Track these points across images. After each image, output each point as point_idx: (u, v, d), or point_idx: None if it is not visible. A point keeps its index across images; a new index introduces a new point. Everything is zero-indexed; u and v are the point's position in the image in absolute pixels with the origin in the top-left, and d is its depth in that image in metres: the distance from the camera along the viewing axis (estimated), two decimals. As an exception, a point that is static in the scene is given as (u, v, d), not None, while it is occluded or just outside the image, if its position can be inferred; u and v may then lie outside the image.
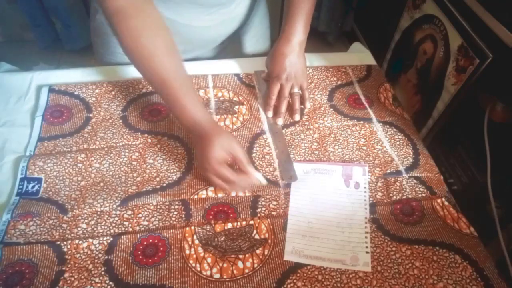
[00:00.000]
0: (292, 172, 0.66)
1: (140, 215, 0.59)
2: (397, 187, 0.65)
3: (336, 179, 0.65)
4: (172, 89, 0.60)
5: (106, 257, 0.54)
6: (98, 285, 0.51)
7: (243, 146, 0.70)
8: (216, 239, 0.57)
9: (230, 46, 0.91)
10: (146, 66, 0.60)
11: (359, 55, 0.92)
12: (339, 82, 0.84)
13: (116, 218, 0.58)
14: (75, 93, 0.75)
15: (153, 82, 0.62)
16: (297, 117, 0.75)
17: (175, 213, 0.59)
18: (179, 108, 0.61)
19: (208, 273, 0.54)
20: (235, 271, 0.54)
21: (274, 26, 1.91)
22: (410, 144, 0.72)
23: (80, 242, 0.55)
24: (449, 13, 0.78)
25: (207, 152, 0.58)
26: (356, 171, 0.65)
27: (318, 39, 2.02)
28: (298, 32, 0.75)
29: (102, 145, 0.68)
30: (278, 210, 0.61)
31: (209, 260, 0.55)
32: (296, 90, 0.75)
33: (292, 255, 0.56)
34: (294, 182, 0.64)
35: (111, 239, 0.56)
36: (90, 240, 0.55)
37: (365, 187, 0.63)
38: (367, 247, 0.57)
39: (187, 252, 0.55)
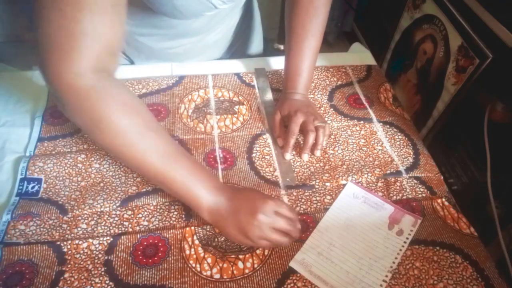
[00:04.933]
0: (291, 174, 0.66)
1: (140, 215, 0.59)
2: (397, 187, 0.65)
3: (381, 218, 0.61)
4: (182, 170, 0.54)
5: (106, 257, 0.54)
6: (98, 285, 0.51)
7: (243, 146, 0.70)
8: (216, 239, 0.57)
9: (235, 52, 0.92)
10: (135, 159, 0.53)
11: (359, 55, 0.93)
12: (339, 82, 0.84)
13: (116, 218, 0.58)
14: (75, 93, 0.75)
15: (151, 175, 0.54)
16: (317, 152, 0.68)
17: (175, 213, 0.59)
18: (202, 187, 0.54)
19: (208, 273, 0.54)
20: (235, 271, 0.54)
21: (272, 26, 1.92)
22: (410, 144, 0.72)
23: (80, 242, 0.55)
24: (449, 13, 0.78)
25: (257, 206, 0.53)
26: (407, 220, 0.61)
27: (318, 39, 2.02)
28: (305, 86, 0.73)
29: (102, 145, 0.67)
30: (278, 210, 0.61)
31: (209, 260, 0.55)
32: (318, 123, 0.69)
33: (298, 265, 0.55)
34: (336, 200, 0.63)
35: (111, 239, 0.56)
36: (90, 240, 0.55)
37: (407, 238, 0.58)
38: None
39: (187, 252, 0.55)
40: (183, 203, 0.58)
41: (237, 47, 0.91)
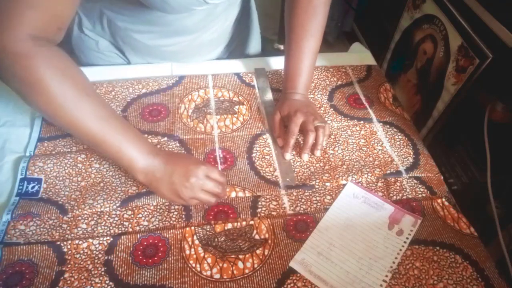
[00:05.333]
0: (291, 174, 0.66)
1: (140, 215, 0.59)
2: (397, 187, 0.65)
3: (381, 218, 0.61)
4: (111, 131, 0.55)
5: (106, 257, 0.54)
6: (98, 285, 0.51)
7: (243, 146, 0.70)
8: (216, 239, 0.57)
9: (232, 51, 0.92)
10: (67, 118, 0.53)
11: (359, 55, 0.93)
12: (339, 82, 0.84)
13: (116, 218, 0.58)
14: (75, 93, 0.75)
15: (82, 133, 0.54)
16: (317, 152, 0.68)
17: (175, 213, 0.59)
18: (130, 149, 0.56)
19: (208, 273, 0.54)
20: (235, 271, 0.54)
21: (272, 26, 1.92)
22: (410, 144, 0.72)
23: (80, 242, 0.55)
24: (449, 13, 0.78)
25: (190, 170, 0.57)
26: (407, 220, 0.61)
27: (318, 39, 2.02)
28: (304, 87, 0.74)
29: (102, 145, 0.67)
30: (278, 210, 0.61)
31: (209, 260, 0.55)
32: (318, 123, 0.68)
33: (298, 265, 0.55)
34: (336, 200, 0.63)
35: (111, 239, 0.56)
36: (90, 240, 0.55)
37: (407, 238, 0.58)
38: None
39: (187, 252, 0.55)
40: (118, 165, 0.62)
41: (235, 47, 0.91)
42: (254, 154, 0.69)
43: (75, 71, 0.54)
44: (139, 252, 0.55)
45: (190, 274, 0.53)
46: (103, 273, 0.53)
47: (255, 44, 0.97)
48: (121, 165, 0.59)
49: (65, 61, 0.53)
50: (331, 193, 0.64)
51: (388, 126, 0.75)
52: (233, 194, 0.62)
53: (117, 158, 0.57)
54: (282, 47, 1.94)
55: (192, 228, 0.58)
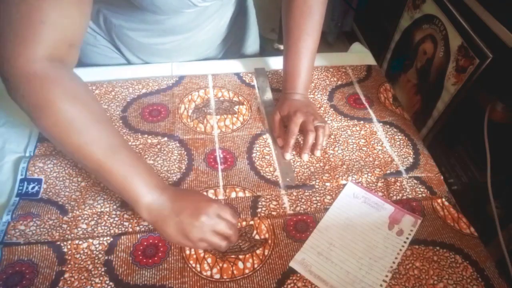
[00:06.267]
0: (291, 174, 0.66)
1: (140, 216, 0.59)
2: (397, 187, 0.65)
3: (381, 218, 0.61)
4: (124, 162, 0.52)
5: (106, 258, 0.54)
6: (98, 285, 0.51)
7: (243, 146, 0.70)
8: (216, 240, 0.57)
9: (228, 50, 0.92)
10: (73, 143, 0.50)
11: (359, 55, 0.93)
12: (339, 82, 0.84)
13: (116, 219, 0.58)
14: (75, 93, 0.75)
15: (90, 163, 0.51)
16: (317, 153, 0.69)
17: (175, 213, 0.59)
18: (136, 183, 0.52)
19: (208, 273, 0.54)
20: (235, 272, 0.54)
21: (273, 26, 1.91)
22: (410, 144, 0.72)
23: (80, 242, 0.55)
24: (449, 13, 0.78)
25: (200, 207, 0.53)
26: (407, 220, 0.61)
27: (318, 39, 2.02)
28: (304, 86, 0.73)
29: (102, 146, 0.67)
30: (278, 210, 0.61)
31: (209, 260, 0.55)
32: (317, 123, 0.68)
33: (298, 265, 0.55)
34: (336, 200, 0.63)
35: (111, 239, 0.56)
36: (90, 240, 0.55)
37: (407, 238, 0.58)
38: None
39: (187, 252, 0.55)
40: (123, 199, 0.56)
41: (230, 46, 0.91)
42: (254, 154, 0.69)
43: (88, 96, 0.52)
44: (139, 252, 0.55)
45: (190, 274, 0.53)
46: (103, 273, 0.53)
47: (252, 43, 0.96)
48: (126, 200, 0.54)
49: (78, 85, 0.52)
50: (331, 193, 0.64)
51: (388, 126, 0.75)
52: (233, 195, 0.62)
53: (122, 191, 0.52)
54: (282, 47, 1.93)
55: (192, 228, 0.58)
